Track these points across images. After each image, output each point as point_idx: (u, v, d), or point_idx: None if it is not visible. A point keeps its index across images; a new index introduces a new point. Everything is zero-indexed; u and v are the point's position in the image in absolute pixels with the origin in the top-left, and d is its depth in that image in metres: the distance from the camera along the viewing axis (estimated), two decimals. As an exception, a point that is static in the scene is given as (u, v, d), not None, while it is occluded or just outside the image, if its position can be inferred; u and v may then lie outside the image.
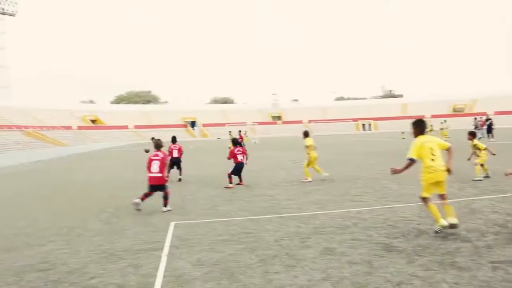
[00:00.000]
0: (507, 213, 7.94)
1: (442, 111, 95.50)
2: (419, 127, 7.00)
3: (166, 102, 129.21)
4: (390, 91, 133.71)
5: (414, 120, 7.26)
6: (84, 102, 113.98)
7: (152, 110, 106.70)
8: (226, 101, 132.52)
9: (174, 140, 16.86)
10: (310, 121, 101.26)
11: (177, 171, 16.12)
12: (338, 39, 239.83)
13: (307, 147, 14.02)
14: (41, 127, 70.54)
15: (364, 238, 6.67)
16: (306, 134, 14.39)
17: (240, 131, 46.91)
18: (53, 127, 75.81)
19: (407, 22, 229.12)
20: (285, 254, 6.08)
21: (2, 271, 5.94)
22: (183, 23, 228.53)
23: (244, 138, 59.40)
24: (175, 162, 16.03)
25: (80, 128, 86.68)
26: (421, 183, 6.87)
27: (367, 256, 5.78)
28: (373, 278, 5.00)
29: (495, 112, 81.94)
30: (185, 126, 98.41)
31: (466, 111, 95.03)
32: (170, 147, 16.20)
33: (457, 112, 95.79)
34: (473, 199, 9.35)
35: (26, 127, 66.71)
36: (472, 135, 13.02)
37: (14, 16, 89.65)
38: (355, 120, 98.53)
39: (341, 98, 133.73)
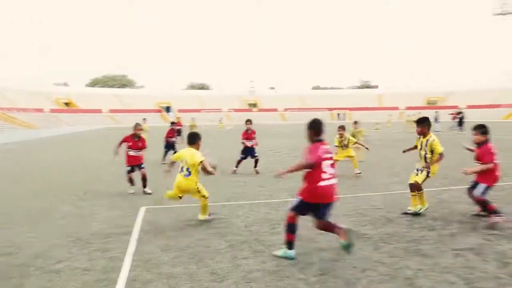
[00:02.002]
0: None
1: (416, 103, 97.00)
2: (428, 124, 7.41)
3: (142, 86, 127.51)
4: (366, 82, 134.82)
5: (420, 118, 7.59)
6: (57, 84, 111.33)
7: (127, 94, 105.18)
8: (202, 87, 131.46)
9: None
10: (286, 109, 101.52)
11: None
12: (318, 29, 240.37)
13: None
14: (10, 109, 68.67)
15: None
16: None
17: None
18: (24, 109, 73.97)
19: (386, 15, 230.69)
20: (254, 239, 6.13)
21: (-35, 253, 5.82)
22: (161, 8, 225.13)
23: (219, 124, 59.17)
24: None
25: (53, 111, 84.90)
26: (431, 174, 7.30)
27: (335, 243, 5.86)
28: (340, 264, 5.10)
29: (468, 105, 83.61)
30: (159, 111, 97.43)
31: (439, 104, 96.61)
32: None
33: (431, 105, 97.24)
34: (443, 189, 9.58)
35: (-6, 107, 64.85)
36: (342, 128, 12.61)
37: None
38: (330, 109, 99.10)
39: (318, 88, 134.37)
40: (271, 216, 7.48)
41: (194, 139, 7.27)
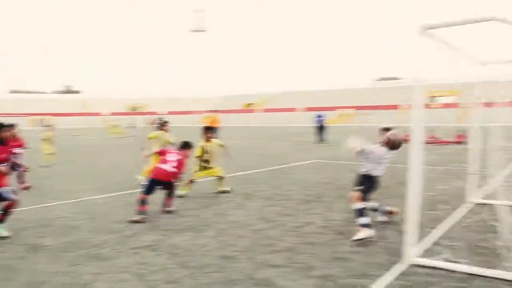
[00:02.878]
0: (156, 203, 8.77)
1: (120, 108, 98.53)
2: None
3: None
4: (69, 86, 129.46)
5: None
6: None
7: None
8: None
9: None
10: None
11: None
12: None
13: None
14: None
15: (11, 241, 6.22)
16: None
17: None
18: None
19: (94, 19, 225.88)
20: None
21: None
22: None
23: None
24: None
25: None
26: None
27: (8, 260, 5.43)
28: (12, 284, 4.72)
29: (169, 111, 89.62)
30: None
31: (141, 110, 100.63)
32: None
33: (134, 111, 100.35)
34: (131, 192, 9.95)
35: None
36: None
37: None
38: (29, 115, 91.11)
39: (17, 91, 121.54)
40: None
41: None
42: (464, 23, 4.71)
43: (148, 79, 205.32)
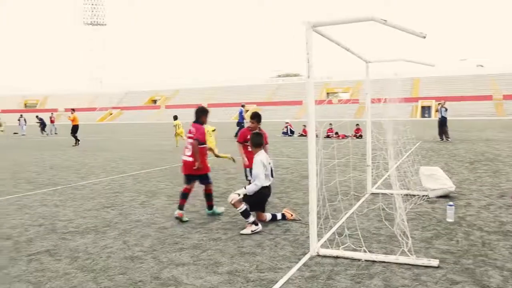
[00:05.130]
0: (55, 204, 8.25)
1: (14, 106, 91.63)
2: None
3: None
4: None
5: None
6: None
7: None
8: None
9: None
10: None
11: None
12: None
13: None
14: None
15: None
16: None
17: None
18: None
19: None
20: None
21: None
22: None
23: None
24: None
25: None
26: None
27: None
28: None
29: (66, 108, 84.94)
30: None
31: (39, 107, 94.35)
32: None
33: (30, 108, 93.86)
34: (25, 195, 9.28)
35: None
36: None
37: None
38: None
39: None
40: None
41: None
42: (346, 22, 4.91)
43: (43, 73, 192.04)
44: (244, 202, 6.23)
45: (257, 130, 7.46)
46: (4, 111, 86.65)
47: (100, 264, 4.98)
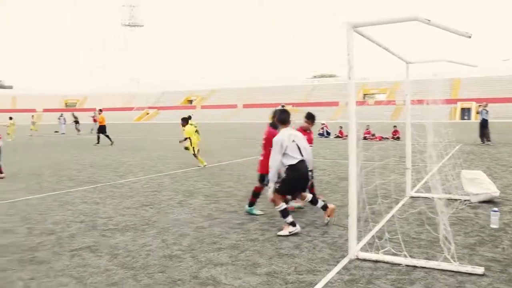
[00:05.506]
0: (95, 201, 8.45)
1: (54, 105, 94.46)
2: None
3: None
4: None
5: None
6: None
7: None
8: None
9: None
10: None
11: None
12: None
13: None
14: None
15: None
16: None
17: None
18: None
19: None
20: None
21: None
22: None
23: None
24: None
25: None
26: None
27: None
28: None
29: (104, 108, 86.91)
30: None
31: (78, 106, 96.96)
32: None
33: (70, 107, 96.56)
34: (67, 192, 9.54)
35: None
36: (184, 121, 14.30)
37: None
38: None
39: None
40: None
41: None
42: (388, 22, 4.83)
43: (83, 74, 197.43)
44: (283, 202, 6.18)
45: (309, 128, 7.60)
46: (46, 110, 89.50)
47: (139, 262, 5.07)
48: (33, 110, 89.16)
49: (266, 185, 6.51)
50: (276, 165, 6.17)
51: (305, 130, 7.53)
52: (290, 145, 6.16)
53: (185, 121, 14.29)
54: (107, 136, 24.12)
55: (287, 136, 6.22)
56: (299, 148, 6.23)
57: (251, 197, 7.28)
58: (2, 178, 11.63)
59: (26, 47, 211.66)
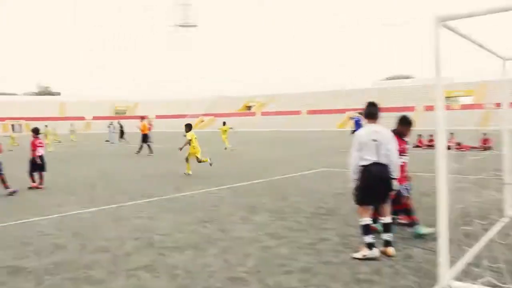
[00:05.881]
0: (150, 217, 8.64)
1: (104, 112, 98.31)
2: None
3: None
4: (46, 87, 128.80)
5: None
6: None
7: None
8: None
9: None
10: None
11: None
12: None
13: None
14: None
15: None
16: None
17: None
18: None
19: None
20: None
21: None
22: None
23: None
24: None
25: None
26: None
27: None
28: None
29: (156, 116, 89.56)
30: None
31: (128, 114, 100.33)
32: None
33: (120, 114, 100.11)
34: (119, 205, 9.82)
35: None
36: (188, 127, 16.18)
37: None
38: (1, 120, 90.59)
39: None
40: None
41: None
42: (486, 12, 4.56)
43: (133, 80, 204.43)
44: (368, 216, 6.07)
45: (405, 135, 7.44)
46: (95, 118, 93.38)
47: (201, 284, 5.10)
48: (82, 118, 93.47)
49: (398, 192, 6.54)
50: (352, 162, 6.16)
51: (400, 137, 7.10)
52: (368, 144, 6.02)
53: (189, 127, 16.40)
54: (148, 146, 24.84)
55: (367, 132, 6.12)
56: (378, 148, 6.01)
57: (405, 216, 7.06)
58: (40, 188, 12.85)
59: (73, 52, 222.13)
